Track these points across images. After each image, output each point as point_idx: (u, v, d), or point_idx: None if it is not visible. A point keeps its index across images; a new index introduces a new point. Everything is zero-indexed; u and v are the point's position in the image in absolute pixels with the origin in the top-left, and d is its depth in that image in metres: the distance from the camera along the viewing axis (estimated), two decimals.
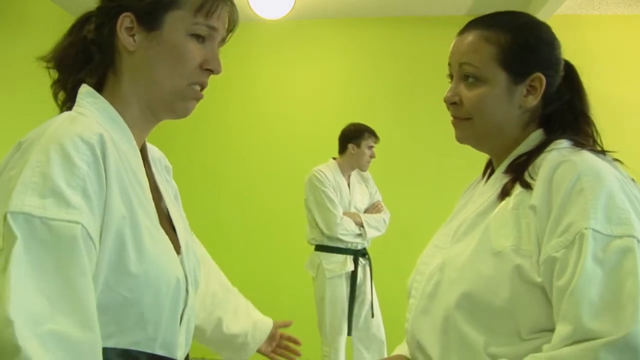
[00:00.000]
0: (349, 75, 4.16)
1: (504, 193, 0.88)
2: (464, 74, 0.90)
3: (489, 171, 1.03)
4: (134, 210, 0.73)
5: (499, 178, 0.92)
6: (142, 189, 0.78)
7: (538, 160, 0.86)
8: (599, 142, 0.91)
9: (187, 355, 0.87)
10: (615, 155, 0.88)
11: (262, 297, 4.07)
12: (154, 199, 0.82)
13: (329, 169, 2.99)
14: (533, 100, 0.90)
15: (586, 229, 0.73)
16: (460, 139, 0.96)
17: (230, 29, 0.88)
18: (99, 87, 0.83)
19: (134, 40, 0.80)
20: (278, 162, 4.12)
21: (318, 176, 2.93)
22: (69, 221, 0.63)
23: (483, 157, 1.05)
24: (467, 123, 0.92)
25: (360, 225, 2.93)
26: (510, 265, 0.79)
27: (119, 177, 0.72)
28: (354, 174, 3.09)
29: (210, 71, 0.84)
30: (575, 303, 0.70)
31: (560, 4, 3.50)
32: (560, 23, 3.94)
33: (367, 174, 3.15)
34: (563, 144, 0.87)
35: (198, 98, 0.85)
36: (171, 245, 0.81)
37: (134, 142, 0.82)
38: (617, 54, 3.90)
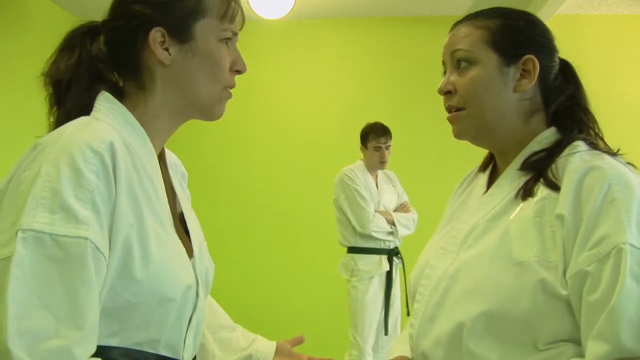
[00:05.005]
0: (349, 75, 4.17)
1: (527, 193, 0.82)
2: (456, 60, 0.90)
3: (490, 168, 0.99)
4: (143, 216, 0.73)
5: (514, 176, 0.87)
6: (156, 193, 0.79)
7: (560, 163, 0.82)
8: (603, 140, 0.89)
9: (195, 357, 0.87)
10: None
11: (260, 298, 4.08)
12: (169, 202, 0.83)
13: (357, 169, 3.01)
14: (527, 84, 0.87)
15: (624, 243, 0.69)
16: (458, 133, 0.92)
17: (240, 28, 0.90)
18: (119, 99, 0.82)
19: (169, 54, 0.81)
20: (278, 162, 4.12)
21: (348, 174, 2.95)
22: (77, 237, 0.64)
23: (483, 157, 1.04)
24: (463, 113, 0.90)
25: (392, 224, 2.94)
26: (534, 277, 0.75)
27: (130, 183, 0.72)
28: (381, 175, 3.10)
29: (238, 72, 0.88)
30: (613, 321, 0.67)
31: (560, 4, 3.51)
32: (560, 23, 3.96)
33: (392, 174, 3.16)
34: (581, 146, 0.83)
35: (229, 98, 0.89)
36: (183, 249, 0.81)
37: (151, 146, 0.82)
38: (617, 54, 3.90)
